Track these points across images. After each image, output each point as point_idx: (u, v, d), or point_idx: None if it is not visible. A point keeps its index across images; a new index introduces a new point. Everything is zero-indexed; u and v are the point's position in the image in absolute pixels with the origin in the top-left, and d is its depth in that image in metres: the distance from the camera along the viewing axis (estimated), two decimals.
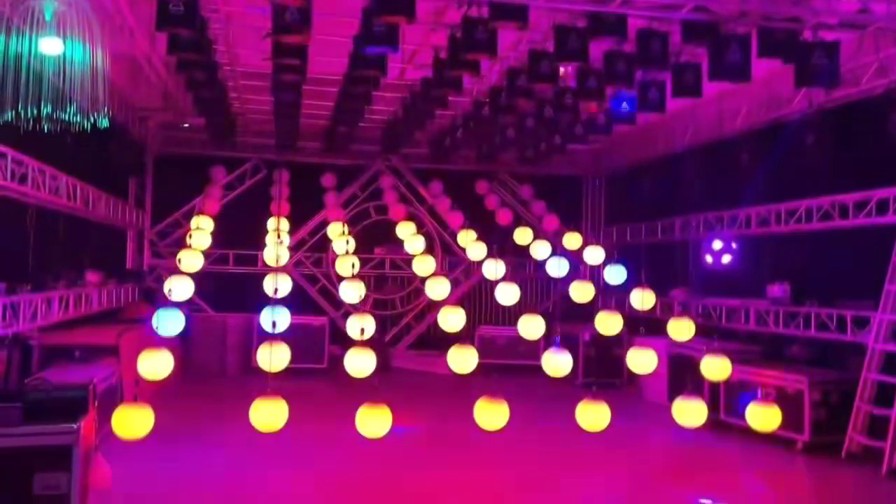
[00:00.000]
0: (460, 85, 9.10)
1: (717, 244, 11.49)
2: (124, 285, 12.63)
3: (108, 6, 7.29)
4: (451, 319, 6.62)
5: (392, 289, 15.86)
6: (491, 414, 5.45)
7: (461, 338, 6.83)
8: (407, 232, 12.55)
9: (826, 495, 7.77)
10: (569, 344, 13.48)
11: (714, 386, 9.76)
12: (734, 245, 11.01)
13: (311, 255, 15.17)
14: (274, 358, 6.42)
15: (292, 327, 15.42)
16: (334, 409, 11.13)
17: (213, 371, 13.54)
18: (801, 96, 9.49)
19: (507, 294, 7.39)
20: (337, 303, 15.05)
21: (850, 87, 8.80)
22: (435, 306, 15.66)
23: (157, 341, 6.21)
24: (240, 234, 14.28)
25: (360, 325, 6.99)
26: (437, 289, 7.79)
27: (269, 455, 8.24)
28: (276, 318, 7.10)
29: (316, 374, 13.38)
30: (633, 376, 12.81)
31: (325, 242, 14.52)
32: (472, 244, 13.85)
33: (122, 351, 9.49)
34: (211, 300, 14.49)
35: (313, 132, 13.71)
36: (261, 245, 13.45)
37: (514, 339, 15.13)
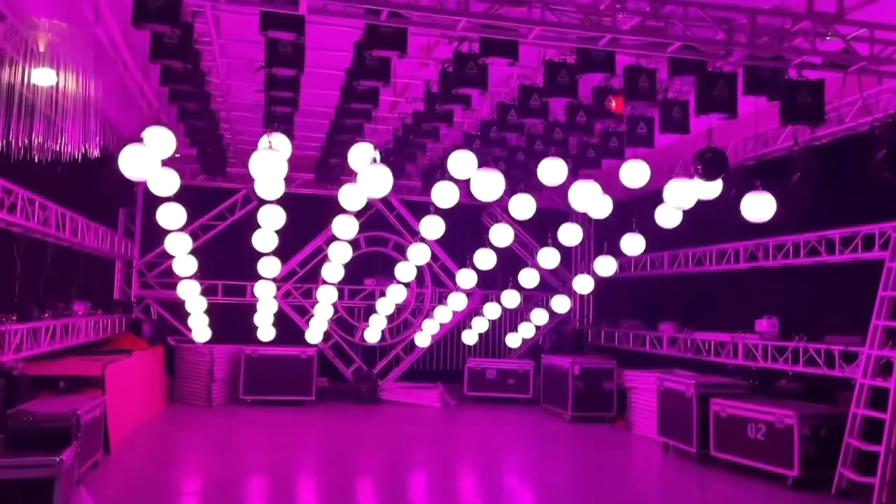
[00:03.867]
0: (451, 119, 9.20)
1: None
2: (112, 316, 12.53)
3: (101, 38, 7.35)
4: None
5: None
6: (487, 182, 5.80)
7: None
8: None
9: None
10: (556, 378, 13.60)
11: (703, 421, 9.74)
12: None
13: (301, 286, 15.12)
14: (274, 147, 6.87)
15: (279, 359, 15.20)
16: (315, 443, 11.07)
17: (200, 402, 13.39)
18: (788, 134, 9.62)
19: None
20: (325, 334, 14.97)
21: (835, 125, 8.95)
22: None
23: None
24: (229, 264, 14.24)
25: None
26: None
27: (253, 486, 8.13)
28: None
29: (304, 406, 13.26)
30: (622, 411, 12.79)
31: (316, 274, 14.54)
32: (464, 274, 13.95)
33: (108, 382, 9.39)
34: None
35: (304, 163, 13.77)
36: (251, 274, 13.42)
37: (504, 372, 15.20)
